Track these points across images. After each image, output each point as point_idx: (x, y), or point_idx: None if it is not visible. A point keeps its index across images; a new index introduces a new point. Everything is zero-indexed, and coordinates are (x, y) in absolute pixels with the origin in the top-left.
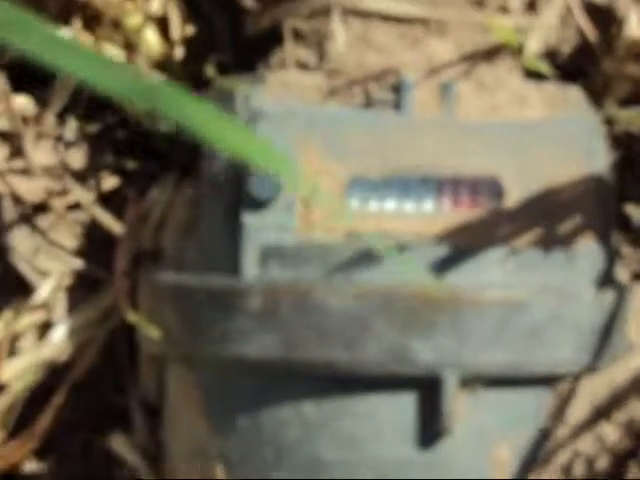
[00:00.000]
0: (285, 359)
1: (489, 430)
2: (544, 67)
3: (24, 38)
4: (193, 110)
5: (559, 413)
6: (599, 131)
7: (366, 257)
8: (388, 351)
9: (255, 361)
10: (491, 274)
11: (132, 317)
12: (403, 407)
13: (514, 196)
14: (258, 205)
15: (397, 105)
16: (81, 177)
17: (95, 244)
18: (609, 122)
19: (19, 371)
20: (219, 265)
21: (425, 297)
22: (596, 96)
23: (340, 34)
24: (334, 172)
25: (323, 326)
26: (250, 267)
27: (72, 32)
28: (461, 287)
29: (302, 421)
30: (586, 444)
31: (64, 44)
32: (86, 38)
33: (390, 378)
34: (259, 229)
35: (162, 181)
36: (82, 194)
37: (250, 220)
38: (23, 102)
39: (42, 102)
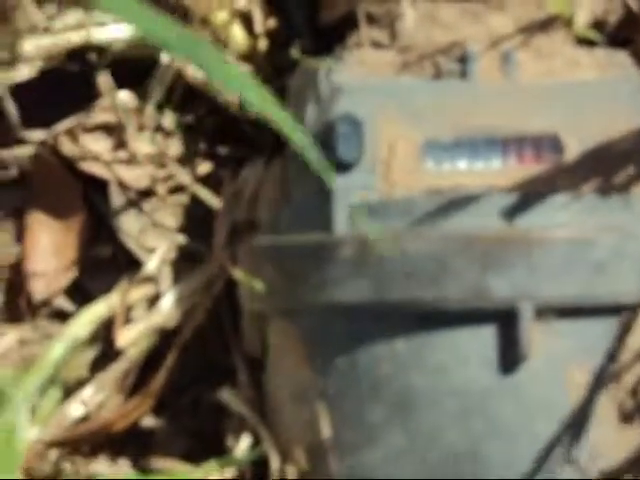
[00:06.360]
0: (376, 301)
1: (563, 356)
2: (594, 35)
3: None
4: (226, 68)
5: (623, 340)
6: None
7: (444, 208)
8: (468, 288)
9: (349, 305)
10: (557, 217)
11: (237, 274)
12: (484, 338)
13: (573, 150)
14: (344, 168)
15: (463, 74)
16: (179, 163)
17: (195, 223)
18: None
19: (134, 338)
20: (312, 225)
21: (499, 238)
22: None
23: (410, 14)
24: (410, 137)
25: (408, 269)
26: (341, 223)
27: None
28: (531, 228)
29: (394, 356)
30: None
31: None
32: None
33: (471, 313)
34: (346, 189)
35: (253, 162)
36: (183, 176)
37: (338, 181)
38: (125, 97)
39: (142, 96)
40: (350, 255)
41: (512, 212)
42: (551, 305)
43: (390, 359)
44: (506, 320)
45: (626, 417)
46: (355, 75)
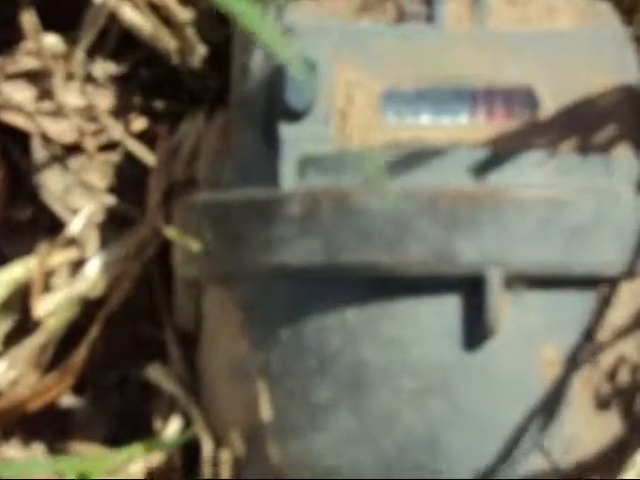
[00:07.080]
0: (327, 264)
1: (535, 331)
2: None
3: None
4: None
5: (602, 317)
6: (629, 43)
7: (406, 163)
8: (431, 251)
9: (297, 268)
10: (531, 176)
11: (171, 233)
12: (447, 308)
13: (549, 106)
14: (294, 116)
15: (429, 18)
16: (110, 116)
17: (126, 183)
18: (637, 40)
19: (53, 307)
20: (256, 179)
21: (467, 196)
22: (625, 15)
23: None
24: (369, 85)
25: (364, 228)
26: (289, 177)
27: None
28: (502, 186)
29: (344, 327)
30: (630, 350)
31: None
32: None
33: (433, 279)
34: (296, 140)
35: (192, 115)
36: (115, 130)
37: (287, 131)
38: (52, 41)
39: (71, 41)
40: (298, 213)
41: (481, 169)
42: (522, 273)
43: (340, 331)
44: (472, 288)
45: (602, 403)
46: (309, 15)
